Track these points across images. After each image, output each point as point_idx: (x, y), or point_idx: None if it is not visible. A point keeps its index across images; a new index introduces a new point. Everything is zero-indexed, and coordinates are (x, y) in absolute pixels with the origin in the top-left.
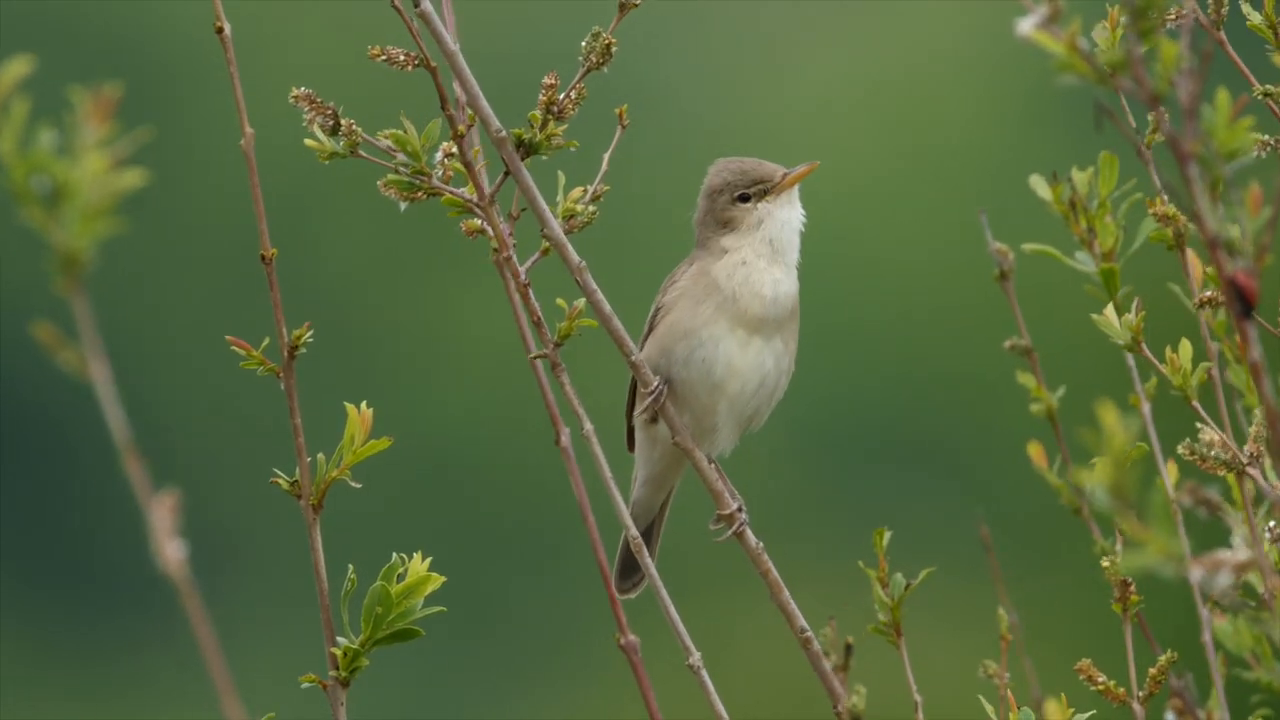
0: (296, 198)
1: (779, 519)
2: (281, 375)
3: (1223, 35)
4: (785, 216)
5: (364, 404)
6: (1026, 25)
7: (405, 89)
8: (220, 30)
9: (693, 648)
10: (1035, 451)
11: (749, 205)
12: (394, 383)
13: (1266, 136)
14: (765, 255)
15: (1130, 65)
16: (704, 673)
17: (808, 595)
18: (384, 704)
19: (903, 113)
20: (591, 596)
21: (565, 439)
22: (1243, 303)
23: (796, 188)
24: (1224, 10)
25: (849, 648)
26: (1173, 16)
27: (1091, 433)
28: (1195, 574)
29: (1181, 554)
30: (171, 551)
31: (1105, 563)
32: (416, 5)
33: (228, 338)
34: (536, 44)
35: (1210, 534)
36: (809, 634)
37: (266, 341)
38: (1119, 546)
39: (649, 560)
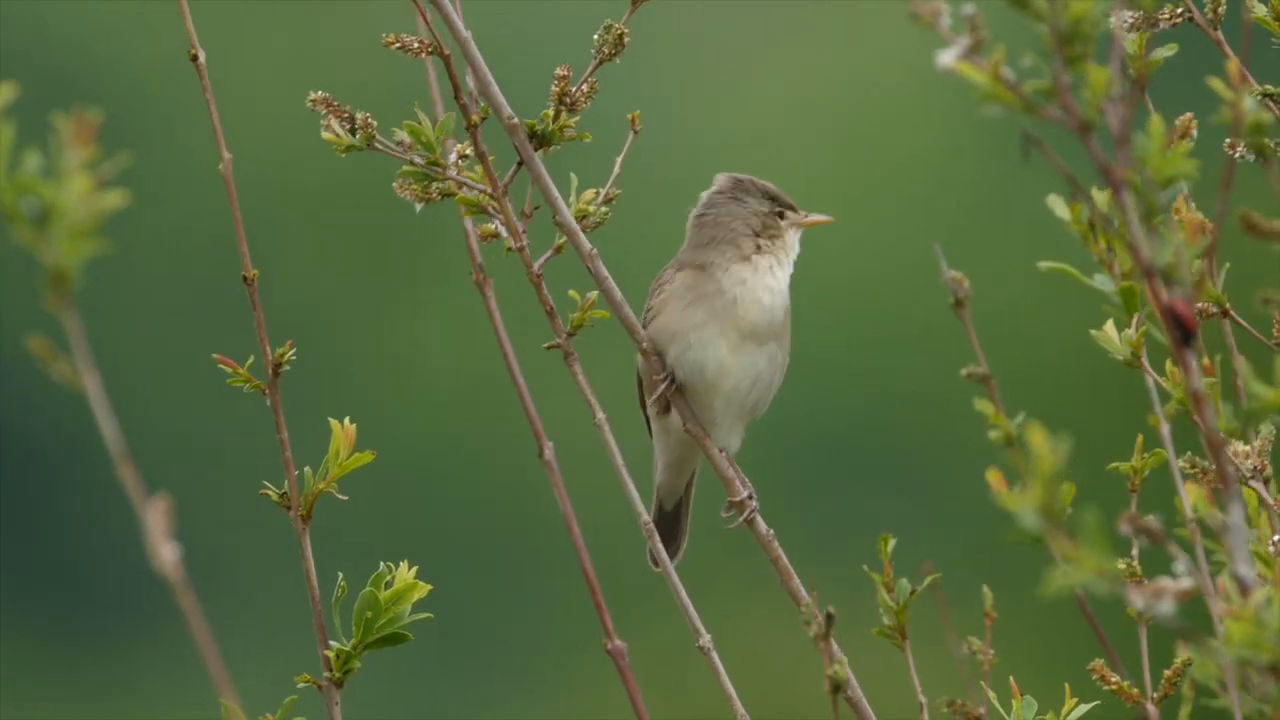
0: (257, 219)
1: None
2: (267, 392)
3: (1220, 35)
4: (797, 248)
5: (347, 419)
6: (948, 57)
7: (391, 100)
8: (195, 58)
9: (703, 630)
10: (994, 478)
11: (784, 224)
12: (378, 392)
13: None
14: (786, 269)
15: (1058, 93)
16: (714, 654)
17: (789, 607)
18: (378, 709)
19: (870, 128)
20: (586, 599)
21: (549, 452)
22: (1182, 331)
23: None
24: (1221, 10)
25: (830, 617)
26: (1166, 16)
27: (1020, 455)
28: (1137, 601)
29: (1115, 571)
30: (166, 554)
31: (1121, 564)
32: None
33: (215, 355)
34: (545, 43)
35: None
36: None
37: (251, 360)
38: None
39: (660, 547)
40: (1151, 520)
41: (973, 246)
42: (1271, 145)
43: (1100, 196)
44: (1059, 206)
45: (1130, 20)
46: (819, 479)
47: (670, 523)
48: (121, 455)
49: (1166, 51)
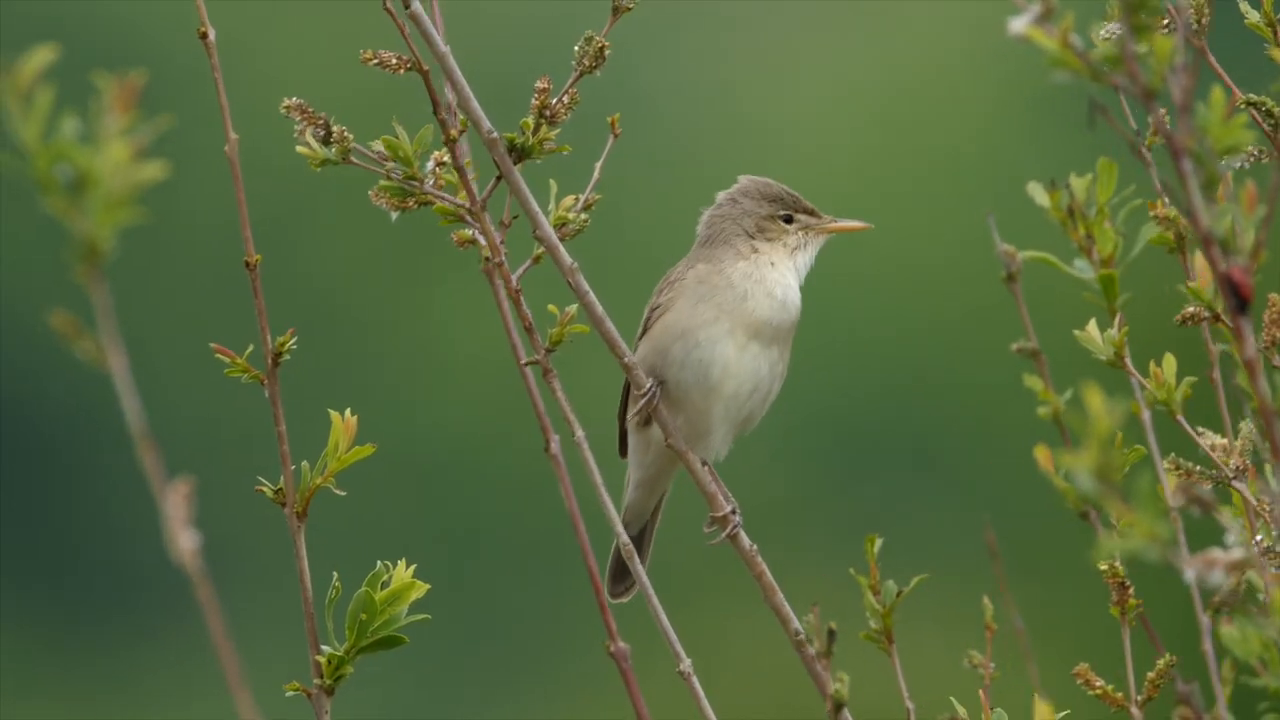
0: (279, 206)
1: (778, 524)
2: (265, 383)
3: (1204, 44)
4: (813, 254)
5: (348, 411)
6: (1019, 24)
7: (393, 93)
8: (204, 35)
9: (683, 655)
10: (1043, 454)
11: (791, 227)
12: (384, 390)
13: (1250, 146)
14: (788, 268)
15: (1124, 61)
16: (695, 680)
17: (806, 601)
18: (377, 708)
19: (906, 115)
20: (587, 601)
21: (555, 446)
22: (1238, 299)
23: (827, 236)
24: (1206, 19)
25: (831, 633)
26: (1164, 22)
27: (1077, 416)
28: (1189, 573)
29: (1168, 537)
30: (185, 541)
31: (1103, 565)
32: (407, 6)
33: (212, 345)
34: (528, 50)
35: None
36: (803, 637)
37: (251, 349)
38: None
39: (640, 568)
40: (1204, 490)
41: (1010, 235)
42: None
43: (1079, 183)
44: (1039, 194)
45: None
46: (852, 467)
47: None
48: (144, 437)
49: (1134, 43)
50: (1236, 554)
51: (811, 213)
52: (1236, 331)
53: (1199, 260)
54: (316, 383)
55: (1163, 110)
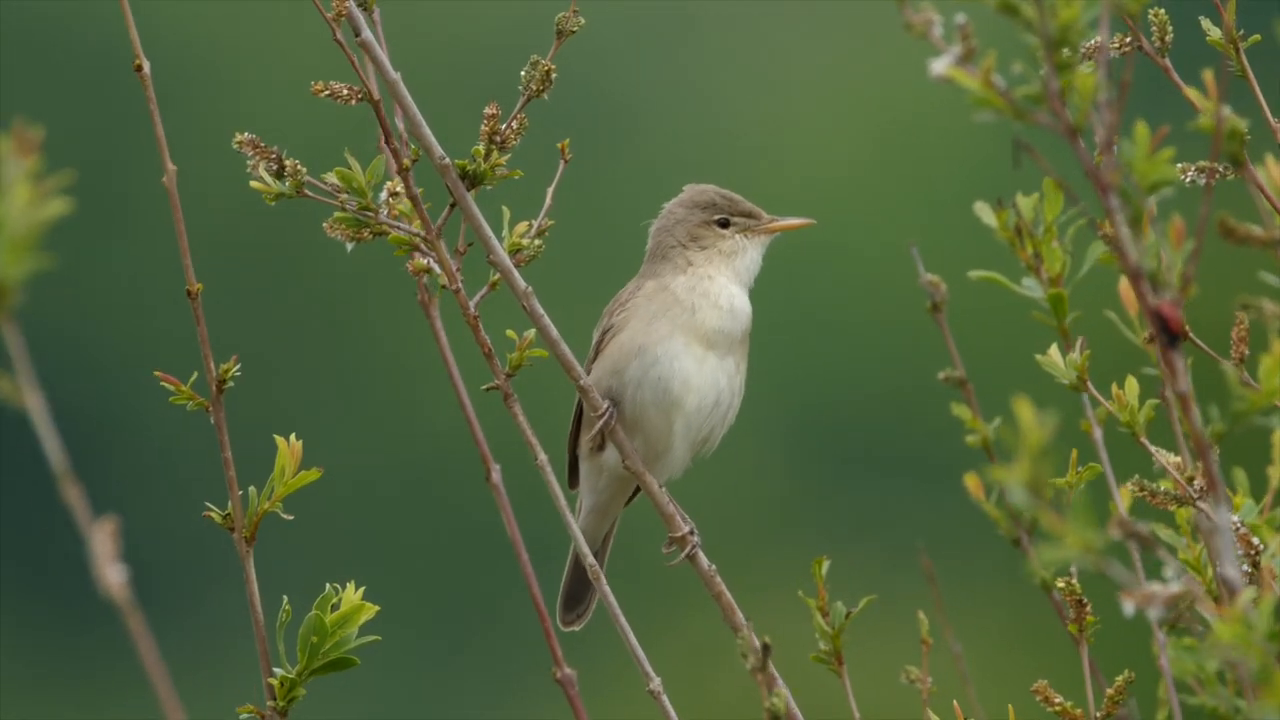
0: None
1: (764, 528)
2: (211, 410)
3: (1167, 63)
4: (755, 255)
5: (293, 436)
6: (940, 65)
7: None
8: (139, 69)
9: (652, 674)
10: (972, 483)
11: (726, 232)
12: (378, 395)
13: (1203, 162)
14: (728, 277)
15: (1047, 99)
16: (664, 698)
17: (792, 610)
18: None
19: (885, 117)
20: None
21: (496, 476)
22: (1168, 334)
23: (771, 236)
24: (1168, 38)
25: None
26: (1115, 45)
27: (1008, 430)
28: (1129, 607)
29: (1100, 546)
30: (112, 575)
31: (1060, 584)
32: (357, 35)
33: (156, 373)
34: (489, 65)
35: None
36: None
37: (195, 376)
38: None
39: (607, 589)
40: (1141, 525)
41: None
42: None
43: (1025, 202)
44: (986, 213)
45: (1083, 49)
46: (842, 470)
47: (583, 580)
48: (66, 475)
49: (1089, 69)
50: (1175, 588)
51: (751, 214)
52: (1168, 366)
53: (1124, 289)
54: (319, 384)
55: (1083, 144)
